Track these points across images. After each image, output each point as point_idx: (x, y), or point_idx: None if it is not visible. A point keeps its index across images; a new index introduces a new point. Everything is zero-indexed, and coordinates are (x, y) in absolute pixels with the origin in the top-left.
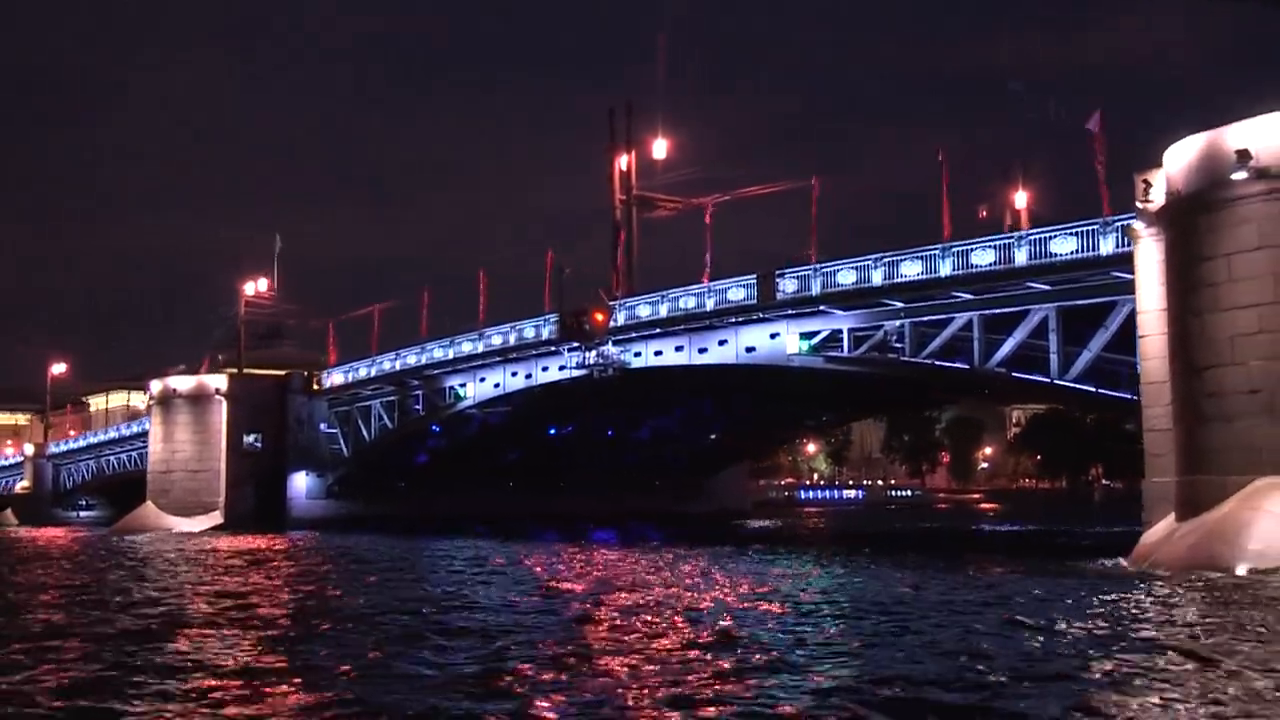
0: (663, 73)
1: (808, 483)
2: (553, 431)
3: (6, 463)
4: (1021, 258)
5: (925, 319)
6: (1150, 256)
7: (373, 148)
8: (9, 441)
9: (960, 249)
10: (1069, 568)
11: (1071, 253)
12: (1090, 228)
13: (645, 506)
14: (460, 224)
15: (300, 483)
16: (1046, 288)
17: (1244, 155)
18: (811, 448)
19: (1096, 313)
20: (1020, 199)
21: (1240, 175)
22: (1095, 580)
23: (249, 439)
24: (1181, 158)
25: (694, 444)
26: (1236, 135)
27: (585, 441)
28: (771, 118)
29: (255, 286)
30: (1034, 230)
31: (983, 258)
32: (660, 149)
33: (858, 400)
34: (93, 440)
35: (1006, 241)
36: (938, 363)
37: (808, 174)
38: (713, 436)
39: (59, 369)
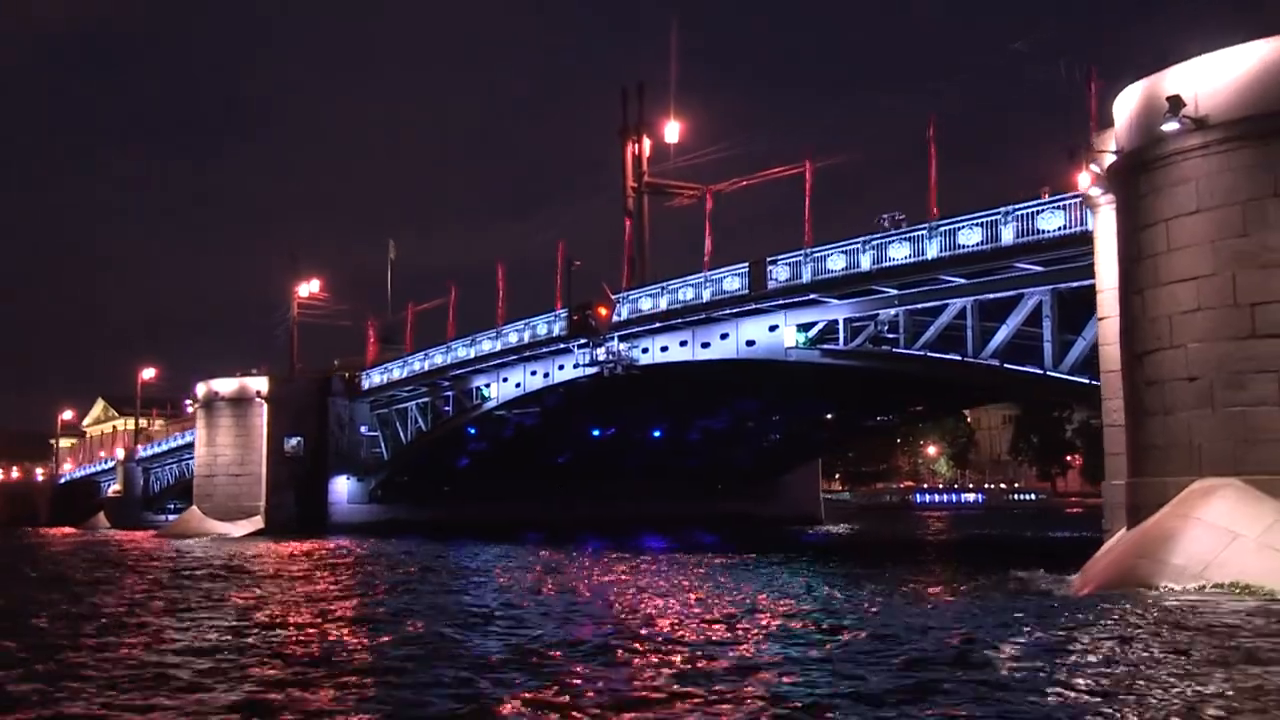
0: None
1: (925, 486)
2: (596, 433)
3: (103, 467)
4: (1008, 236)
5: (919, 307)
6: (1109, 226)
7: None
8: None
9: (947, 228)
10: (1021, 585)
11: (1059, 229)
12: (1077, 200)
13: (706, 510)
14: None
15: (341, 487)
16: (1039, 269)
17: (1176, 103)
18: (932, 450)
19: (1092, 296)
20: None
21: (1172, 126)
22: (1024, 602)
23: (290, 442)
24: (1125, 109)
25: (754, 445)
26: (1174, 80)
27: (632, 443)
28: (789, 93)
29: (309, 288)
30: (1019, 205)
31: (969, 237)
32: (673, 132)
33: (893, 399)
34: (175, 443)
35: (993, 218)
36: (930, 354)
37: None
38: (774, 437)
39: (149, 374)
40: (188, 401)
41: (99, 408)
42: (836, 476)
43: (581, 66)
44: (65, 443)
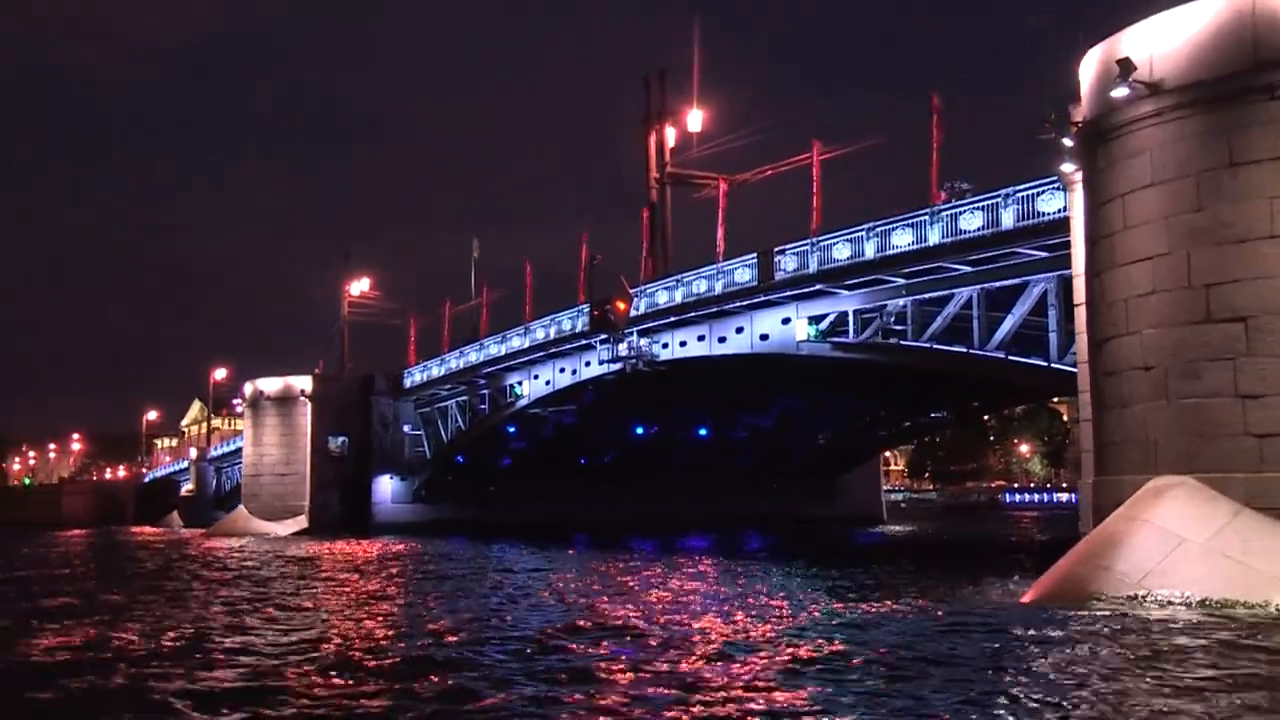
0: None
1: (1016, 485)
2: (640, 431)
3: (180, 466)
4: (1008, 219)
5: (926, 297)
6: (1081, 205)
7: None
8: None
9: (949, 212)
10: (979, 596)
11: (1059, 211)
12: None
13: (758, 510)
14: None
15: (385, 486)
16: (1043, 254)
17: (1126, 66)
18: (1024, 448)
19: None
20: None
21: (1121, 92)
22: (958, 615)
23: (335, 442)
24: (1086, 75)
25: (806, 443)
26: (1130, 42)
27: (675, 442)
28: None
29: (360, 286)
30: (1019, 186)
31: (970, 222)
32: (696, 120)
33: (944, 395)
34: (241, 443)
35: (993, 201)
36: (935, 346)
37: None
38: (825, 435)
39: (221, 374)
40: (236, 402)
41: (196, 408)
42: (925, 475)
43: (602, 57)
44: (169, 443)
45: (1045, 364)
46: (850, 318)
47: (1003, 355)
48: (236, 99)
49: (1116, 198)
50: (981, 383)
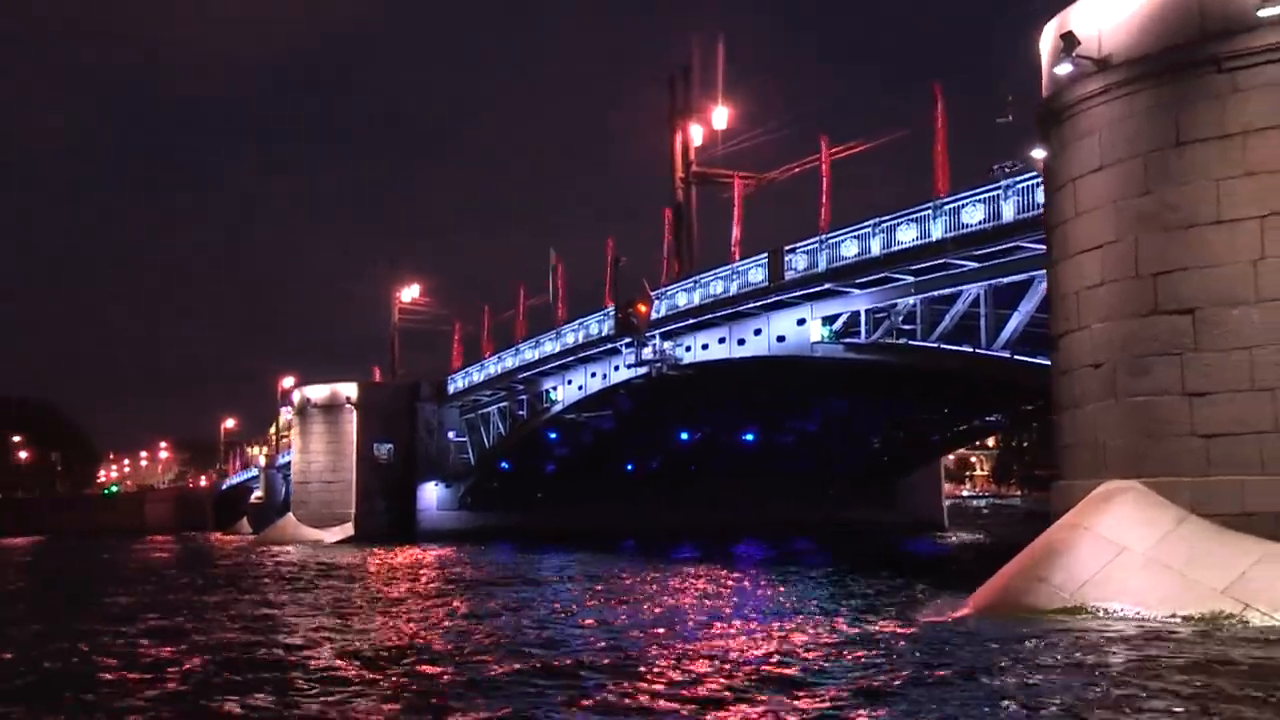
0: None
1: None
2: (685, 436)
3: (251, 474)
4: (1009, 212)
5: (935, 295)
6: None
7: None
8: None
9: (951, 206)
10: (923, 607)
11: None
12: None
13: (812, 516)
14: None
15: (430, 493)
16: (1045, 248)
17: (1070, 41)
18: None
19: None
20: None
21: (1064, 69)
22: (889, 630)
23: (380, 449)
24: (1044, 51)
25: (859, 447)
26: (1080, 15)
27: (721, 447)
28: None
29: (411, 293)
30: (1020, 177)
31: (972, 215)
32: (721, 118)
33: (993, 399)
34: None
35: (994, 193)
36: (944, 346)
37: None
38: (876, 440)
39: (288, 382)
40: (284, 409)
41: (283, 416)
42: (1011, 480)
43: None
44: (254, 450)
45: (1048, 364)
46: (863, 317)
47: (1008, 355)
48: (318, 109)
49: (1068, 182)
50: (987, 384)
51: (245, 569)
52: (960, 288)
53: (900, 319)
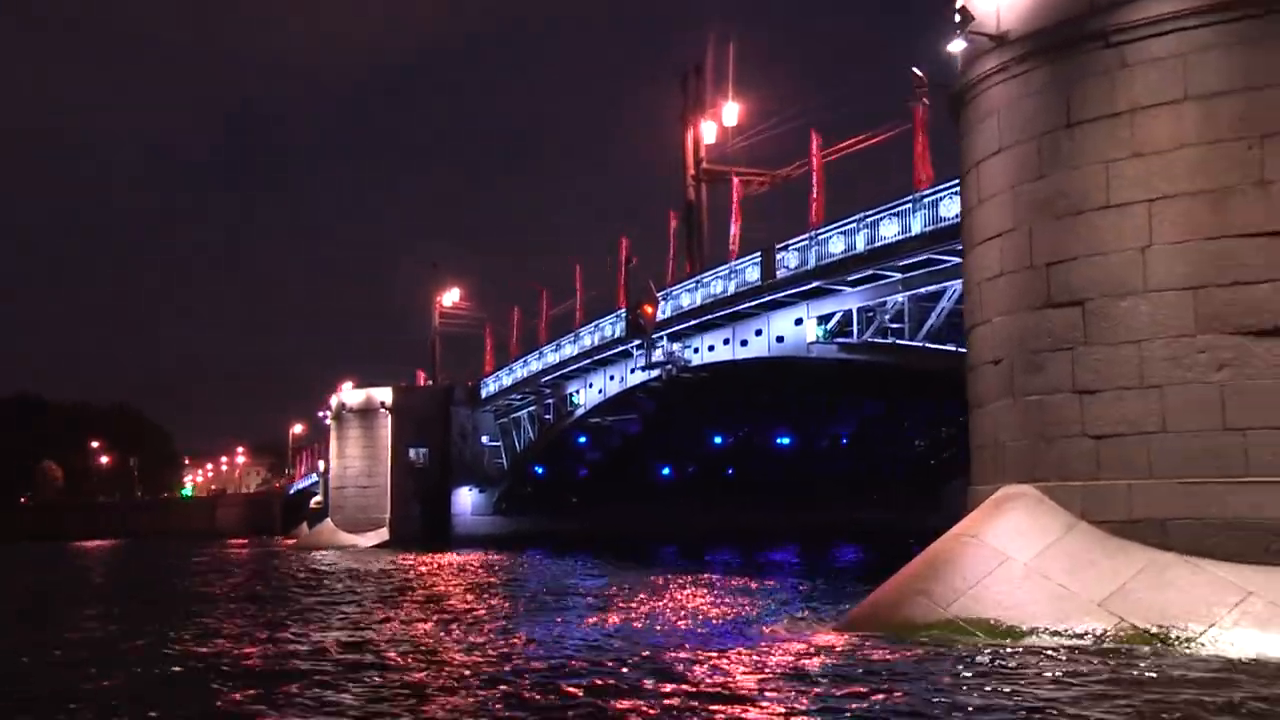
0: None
1: None
2: (718, 440)
3: (312, 480)
4: None
5: (922, 292)
6: None
7: None
8: None
9: (930, 198)
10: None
11: None
12: None
13: (852, 519)
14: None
15: (465, 498)
16: None
17: (965, 16)
18: None
19: None
20: None
21: (957, 46)
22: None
23: (414, 453)
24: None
25: (900, 450)
26: None
27: (757, 450)
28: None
29: (451, 297)
30: None
31: (949, 208)
32: (732, 114)
33: None
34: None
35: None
36: (929, 345)
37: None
38: (918, 442)
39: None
40: (321, 414)
41: None
42: None
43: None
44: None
45: None
46: (855, 316)
47: None
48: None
49: (972, 168)
50: None
51: (262, 575)
52: (946, 284)
53: (888, 317)
